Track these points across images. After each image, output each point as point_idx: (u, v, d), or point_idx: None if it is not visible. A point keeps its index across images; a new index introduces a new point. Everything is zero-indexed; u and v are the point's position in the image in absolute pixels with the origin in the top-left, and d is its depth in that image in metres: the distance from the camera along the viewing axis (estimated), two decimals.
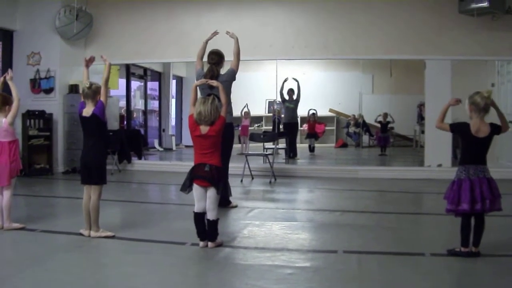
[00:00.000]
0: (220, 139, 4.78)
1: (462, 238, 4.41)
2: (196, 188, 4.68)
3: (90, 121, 4.99)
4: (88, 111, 5.00)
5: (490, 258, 4.39)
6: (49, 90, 10.36)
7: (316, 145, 14.50)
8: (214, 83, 5.34)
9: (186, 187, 4.74)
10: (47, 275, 3.94)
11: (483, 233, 4.39)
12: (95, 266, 4.33)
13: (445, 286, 3.85)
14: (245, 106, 13.76)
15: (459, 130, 4.53)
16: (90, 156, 5.03)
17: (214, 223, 4.67)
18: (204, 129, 4.66)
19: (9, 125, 5.32)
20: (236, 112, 9.84)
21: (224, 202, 6.37)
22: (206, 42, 6.69)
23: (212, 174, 4.62)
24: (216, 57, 6.39)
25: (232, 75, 6.49)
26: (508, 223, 5.83)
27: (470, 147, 4.43)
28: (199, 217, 4.69)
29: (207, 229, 4.68)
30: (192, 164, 4.77)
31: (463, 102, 4.54)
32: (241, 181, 9.14)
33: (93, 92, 4.98)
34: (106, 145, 5.32)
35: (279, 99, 12.49)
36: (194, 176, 4.68)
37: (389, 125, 13.64)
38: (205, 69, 6.49)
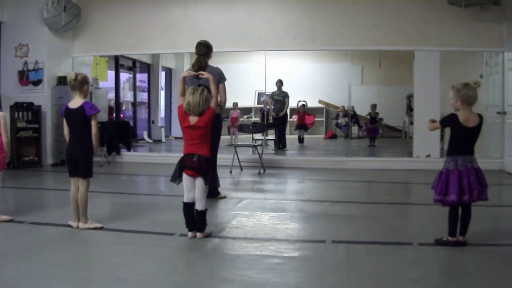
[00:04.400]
0: (209, 130, 4.76)
1: (449, 228, 4.45)
2: (185, 178, 4.69)
3: (76, 113, 4.94)
4: (76, 102, 4.96)
5: (476, 247, 4.44)
6: (37, 82, 10.30)
7: (305, 136, 14.55)
8: (204, 74, 5.29)
9: (176, 178, 4.74)
10: (36, 267, 3.92)
11: (469, 223, 4.43)
12: (84, 258, 4.32)
13: (433, 274, 3.88)
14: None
15: (449, 124, 4.51)
16: (76, 150, 4.98)
17: (202, 214, 4.68)
18: (193, 119, 4.65)
19: None
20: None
21: (213, 193, 6.39)
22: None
23: (200, 164, 4.62)
24: (204, 48, 6.25)
25: (220, 75, 6.28)
26: (494, 213, 5.94)
27: (459, 137, 4.43)
28: (188, 207, 4.69)
29: (195, 220, 4.69)
30: (181, 155, 4.77)
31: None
32: (230, 172, 9.16)
33: (79, 82, 4.95)
34: (91, 138, 5.22)
35: (267, 92, 12.44)
36: (183, 166, 4.68)
37: (378, 117, 13.68)
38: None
